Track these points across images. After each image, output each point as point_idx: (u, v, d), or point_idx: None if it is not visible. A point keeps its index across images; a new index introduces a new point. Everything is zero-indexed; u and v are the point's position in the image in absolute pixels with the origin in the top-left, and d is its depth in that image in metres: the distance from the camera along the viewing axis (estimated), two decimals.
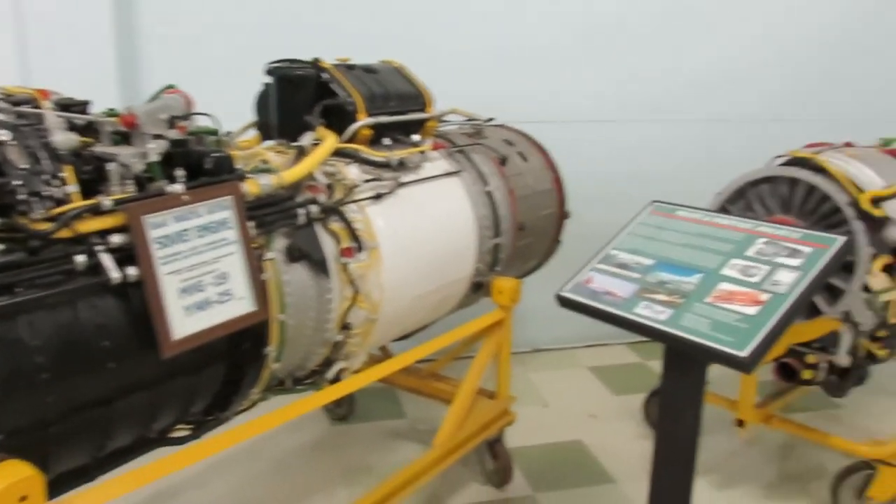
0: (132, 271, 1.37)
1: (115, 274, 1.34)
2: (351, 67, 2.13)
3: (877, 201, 2.12)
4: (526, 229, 2.61)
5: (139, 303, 1.40)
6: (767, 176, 2.26)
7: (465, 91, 3.12)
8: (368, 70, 2.18)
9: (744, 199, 2.37)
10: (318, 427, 2.94)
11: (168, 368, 1.48)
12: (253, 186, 1.67)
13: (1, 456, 1.20)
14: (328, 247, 1.87)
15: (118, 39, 2.87)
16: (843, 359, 2.15)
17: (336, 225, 1.89)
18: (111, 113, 1.54)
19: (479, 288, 2.48)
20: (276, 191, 1.75)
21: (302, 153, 1.90)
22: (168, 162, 1.51)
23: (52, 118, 1.39)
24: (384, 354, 2.77)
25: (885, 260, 2.10)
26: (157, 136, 1.49)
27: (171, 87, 1.61)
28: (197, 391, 1.64)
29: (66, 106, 1.49)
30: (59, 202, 1.32)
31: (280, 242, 1.77)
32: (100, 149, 1.43)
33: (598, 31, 3.34)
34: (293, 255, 1.77)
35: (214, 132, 1.69)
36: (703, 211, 2.04)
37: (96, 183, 1.42)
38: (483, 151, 2.54)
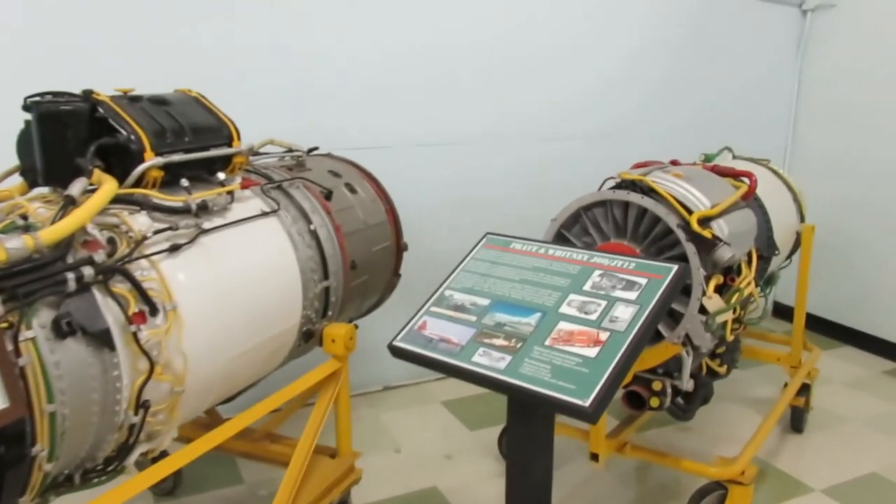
0: None
1: None
2: (135, 99, 1.84)
3: (704, 221, 2.10)
4: (359, 267, 2.41)
5: None
6: (600, 200, 2.19)
7: (289, 119, 2.91)
8: (158, 101, 1.89)
9: (579, 224, 2.29)
10: None
11: None
12: None
13: None
14: (113, 314, 1.57)
15: None
16: (685, 384, 2.11)
17: (121, 286, 1.59)
18: None
19: (310, 337, 2.24)
20: (34, 254, 1.43)
21: (72, 203, 1.58)
22: None
23: None
24: (211, 418, 2.45)
25: (717, 280, 2.08)
26: None
27: None
28: None
29: None
30: None
31: (46, 315, 1.45)
32: None
33: (436, 57, 3.20)
34: (62, 329, 1.46)
35: None
36: (536, 243, 1.92)
37: None
38: (305, 186, 2.31)
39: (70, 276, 1.48)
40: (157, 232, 1.70)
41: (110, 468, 1.72)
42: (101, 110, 1.75)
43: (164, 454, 1.85)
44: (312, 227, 2.20)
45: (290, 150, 2.49)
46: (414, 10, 3.11)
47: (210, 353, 1.80)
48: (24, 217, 1.56)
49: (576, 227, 2.31)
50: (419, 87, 3.15)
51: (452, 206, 3.33)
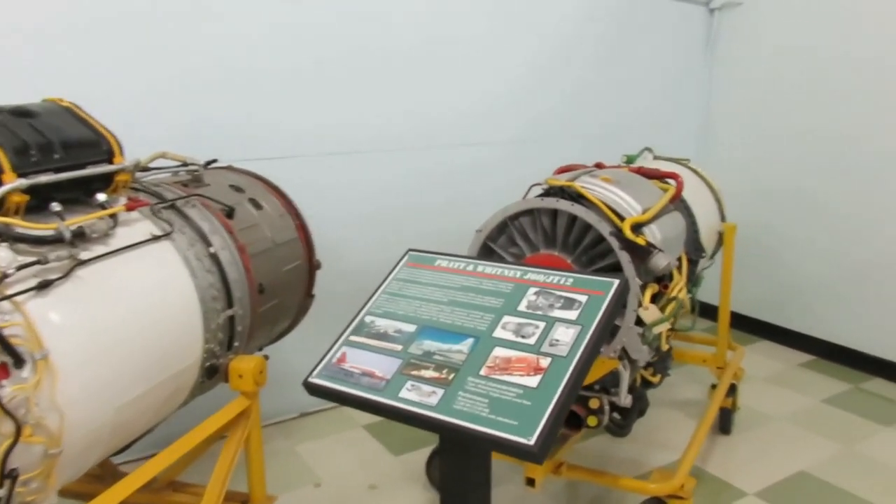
0: None
1: None
2: None
3: (637, 228, 2.00)
4: (268, 290, 2.18)
5: None
6: (527, 208, 2.05)
7: (182, 128, 2.65)
8: (20, 113, 1.62)
9: (506, 234, 2.15)
10: None
11: None
12: None
13: None
14: None
15: None
16: (624, 399, 2.00)
17: None
18: None
19: (214, 373, 2.00)
20: None
21: None
22: None
23: None
24: (102, 469, 2.17)
25: (653, 290, 1.98)
26: None
27: None
28: None
29: None
30: None
31: None
32: None
33: (344, 61, 2.98)
34: None
35: None
36: (464, 259, 1.76)
37: None
38: (203, 203, 2.07)
39: None
40: (21, 267, 1.44)
41: None
42: None
43: None
44: (212, 249, 1.97)
45: (185, 164, 2.23)
46: (322, 10, 2.89)
47: (93, 404, 1.55)
48: None
49: (502, 238, 2.17)
50: (327, 92, 2.94)
51: (367, 219, 3.14)
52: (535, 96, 3.52)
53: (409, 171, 3.21)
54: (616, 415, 2.12)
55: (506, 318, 1.56)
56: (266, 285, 2.18)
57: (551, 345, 1.45)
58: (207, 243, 1.97)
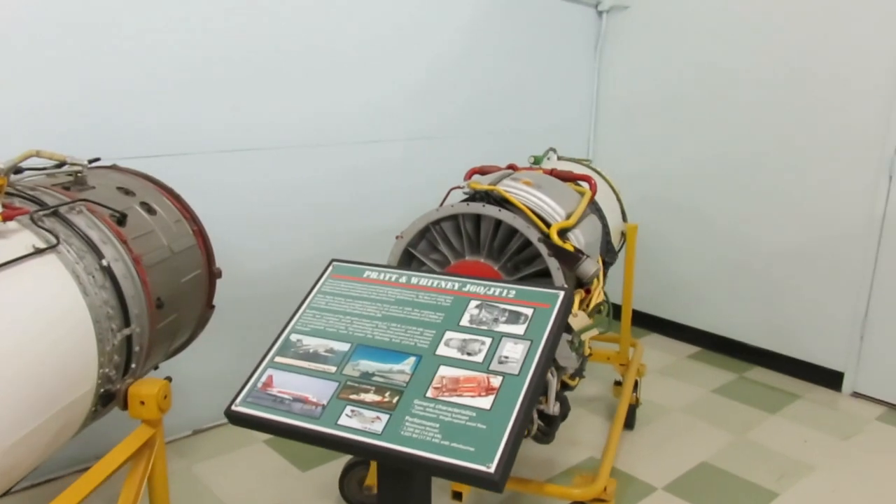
0: None
1: None
2: None
3: (563, 233, 1.97)
4: (167, 304, 1.98)
5: None
6: (452, 214, 1.97)
7: (59, 123, 2.36)
8: None
9: (426, 240, 2.06)
10: None
11: None
12: None
13: None
14: None
15: None
16: (552, 407, 1.97)
17: None
18: None
19: (110, 399, 1.78)
20: None
21: None
22: None
23: None
24: None
25: (580, 296, 1.96)
26: None
27: None
28: None
29: None
30: None
31: None
32: None
33: (240, 50, 2.74)
34: None
35: None
36: (395, 270, 1.66)
37: None
38: (89, 209, 1.83)
39: None
40: None
41: None
42: None
43: None
44: (105, 261, 1.75)
45: (64, 164, 1.97)
46: (219, 3, 2.66)
47: None
48: None
49: (422, 244, 2.08)
50: (221, 83, 2.72)
51: (269, 220, 2.94)
52: (439, 95, 3.44)
53: (312, 170, 3.04)
54: (541, 422, 2.08)
55: (448, 334, 1.47)
56: (165, 299, 1.97)
57: (500, 362, 1.38)
58: (99, 255, 1.74)
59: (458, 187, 2.12)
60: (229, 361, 2.89)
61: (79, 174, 1.95)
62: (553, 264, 1.87)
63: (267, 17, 2.79)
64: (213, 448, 2.87)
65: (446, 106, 3.49)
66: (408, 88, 3.31)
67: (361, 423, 1.34)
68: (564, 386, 2.30)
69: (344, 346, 1.50)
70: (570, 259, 1.89)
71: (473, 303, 1.52)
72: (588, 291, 2.06)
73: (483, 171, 2.50)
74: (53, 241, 1.63)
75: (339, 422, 1.35)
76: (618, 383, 3.16)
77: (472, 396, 1.33)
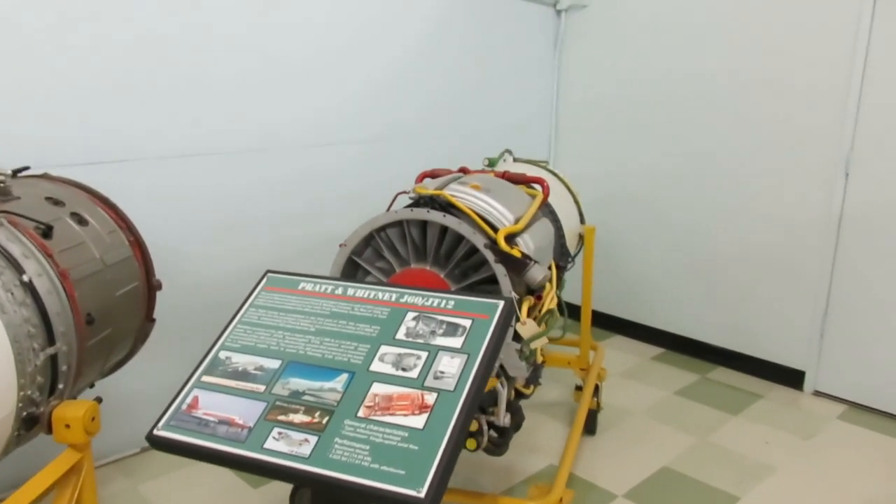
0: None
1: None
2: None
3: (511, 238, 1.92)
4: (98, 320, 1.88)
5: None
6: (396, 220, 1.90)
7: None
8: None
9: (372, 247, 1.99)
10: None
11: None
12: None
13: None
14: None
15: None
16: (503, 418, 1.91)
17: None
18: None
19: (34, 423, 1.69)
20: None
21: None
22: None
23: None
24: None
25: (529, 303, 1.90)
26: None
27: None
28: None
29: None
30: None
31: None
32: None
33: (190, 55, 2.65)
34: None
35: None
36: (331, 282, 1.59)
37: None
38: (11, 221, 1.73)
39: None
40: None
41: None
42: None
43: None
44: (26, 277, 1.65)
45: None
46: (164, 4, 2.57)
47: None
48: None
49: (368, 252, 2.01)
50: (165, 88, 2.62)
51: (214, 228, 2.84)
52: (395, 97, 3.37)
53: (261, 175, 2.96)
54: (493, 433, 2.02)
55: (383, 349, 1.40)
56: (96, 314, 1.87)
57: (436, 378, 1.32)
58: (19, 270, 1.65)
59: (405, 192, 2.05)
60: (176, 375, 2.78)
61: (1, 185, 1.85)
62: (500, 271, 1.81)
63: (214, 20, 2.70)
64: (161, 466, 2.77)
65: (403, 107, 3.43)
66: (363, 90, 3.24)
67: (289, 447, 1.26)
68: (518, 395, 2.25)
69: (275, 364, 1.43)
70: (517, 265, 1.83)
71: (410, 315, 1.46)
72: (539, 298, 2.01)
73: (434, 175, 2.44)
74: None
75: (266, 445, 1.28)
76: (579, 388, 3.11)
77: (405, 415, 1.26)
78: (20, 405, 1.61)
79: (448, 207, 1.93)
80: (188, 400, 1.40)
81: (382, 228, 1.96)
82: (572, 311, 3.12)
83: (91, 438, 1.71)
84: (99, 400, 1.76)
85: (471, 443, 1.93)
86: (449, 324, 1.41)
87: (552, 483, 2.23)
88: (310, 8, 2.98)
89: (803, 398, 3.46)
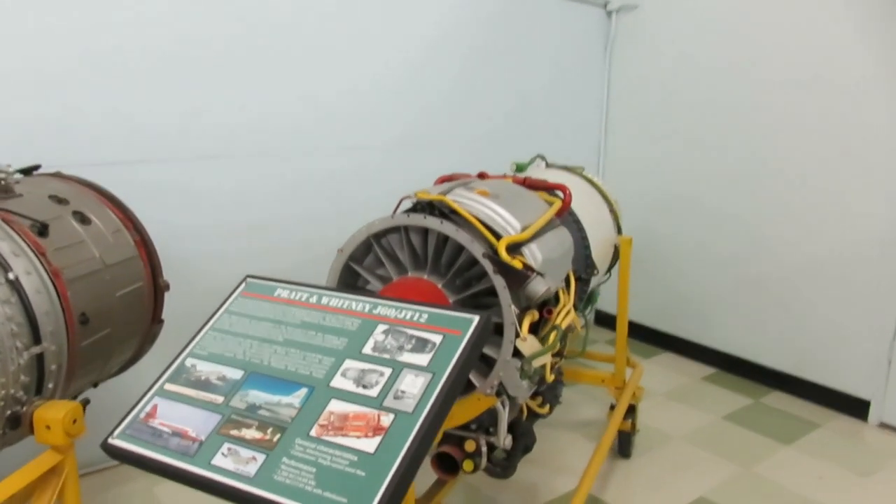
0: None
1: None
2: None
3: (515, 248, 1.79)
4: (94, 320, 1.86)
5: None
6: (394, 226, 1.81)
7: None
8: None
9: (373, 255, 1.90)
10: None
11: None
12: None
13: None
14: None
15: None
16: (503, 440, 1.78)
17: None
18: None
19: (17, 424, 1.67)
20: None
21: None
22: None
23: None
24: None
25: (532, 317, 1.77)
26: None
27: None
28: None
29: None
30: None
31: None
32: None
33: (207, 51, 2.65)
34: None
35: None
36: (308, 289, 1.50)
37: None
38: (5, 220, 1.73)
39: None
40: None
41: None
42: None
43: None
44: (12, 275, 1.64)
45: None
46: None
47: None
48: None
49: (369, 259, 1.92)
50: (188, 86, 2.62)
51: (230, 230, 2.81)
52: (420, 97, 3.29)
53: (286, 177, 2.92)
54: (495, 457, 1.89)
55: (347, 363, 1.30)
56: (92, 314, 1.85)
57: (396, 397, 1.21)
58: (5, 268, 1.64)
59: (409, 197, 1.95)
60: None
61: (2, 182, 1.86)
62: (499, 283, 1.68)
63: (240, 20, 2.68)
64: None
65: (431, 110, 3.33)
66: (386, 92, 3.17)
67: (235, 464, 1.18)
68: (533, 414, 2.11)
69: (237, 374, 1.35)
70: (518, 277, 1.70)
71: (381, 327, 1.35)
72: (550, 312, 1.87)
73: (451, 179, 2.33)
74: None
75: (213, 461, 1.20)
76: (614, 408, 2.93)
77: (358, 437, 1.16)
78: (2, 403, 1.59)
79: (450, 213, 1.82)
80: (147, 408, 1.34)
81: (382, 234, 1.87)
82: (613, 321, 2.96)
83: (74, 441, 1.68)
84: (85, 402, 1.73)
85: (468, 464, 1.81)
86: (419, 339, 1.30)
87: None
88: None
89: (866, 430, 3.17)
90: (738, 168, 3.54)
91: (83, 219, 1.96)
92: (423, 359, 1.26)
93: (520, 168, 2.74)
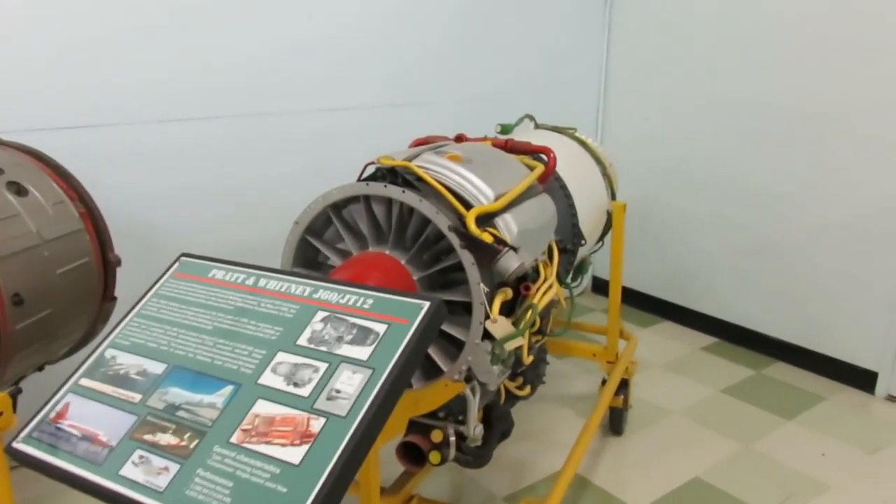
0: None
1: None
2: None
3: (486, 219, 1.62)
4: (31, 301, 1.71)
5: None
6: (353, 195, 1.63)
7: None
8: None
9: (335, 227, 1.73)
10: None
11: None
12: None
13: None
14: None
15: None
16: (472, 430, 1.63)
17: None
18: None
19: None
20: None
21: None
22: None
23: None
24: None
25: (505, 296, 1.60)
26: None
27: None
28: None
29: None
30: None
31: None
32: None
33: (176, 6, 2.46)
34: None
35: None
36: (244, 270, 1.34)
37: None
38: None
39: None
40: None
41: None
42: None
43: None
44: None
45: None
46: None
47: None
48: None
49: (330, 231, 1.75)
50: (146, 45, 2.43)
51: (197, 199, 2.65)
52: (414, 52, 3.08)
53: (257, 140, 2.74)
54: (466, 446, 1.74)
55: (280, 357, 1.15)
56: (28, 294, 1.70)
57: (329, 398, 1.05)
58: None
59: (373, 162, 1.77)
60: None
61: None
62: (467, 258, 1.52)
63: None
64: None
65: (425, 65, 3.12)
66: (370, 46, 2.96)
67: (145, 476, 1.03)
68: (511, 396, 1.96)
69: (159, 368, 1.20)
70: (487, 252, 1.53)
71: (320, 314, 1.19)
72: (528, 288, 1.70)
73: (427, 142, 2.15)
74: None
75: (122, 471, 1.05)
76: (605, 383, 2.79)
77: (283, 445, 1.01)
78: None
79: (417, 181, 1.64)
80: (58, 408, 1.19)
81: (344, 204, 1.70)
82: (605, 286, 2.79)
83: (2, 434, 1.54)
84: (16, 392, 1.59)
85: (434, 456, 1.66)
86: (361, 328, 1.14)
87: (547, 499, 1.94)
88: None
89: (873, 403, 3.02)
90: (750, 125, 3.31)
91: (19, 190, 1.80)
92: (363, 352, 1.10)
93: (505, 130, 2.55)
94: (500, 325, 1.54)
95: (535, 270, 1.80)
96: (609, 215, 2.60)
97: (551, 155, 2.02)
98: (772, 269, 3.34)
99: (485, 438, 1.81)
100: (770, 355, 3.41)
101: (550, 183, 2.09)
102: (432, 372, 1.62)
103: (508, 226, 1.65)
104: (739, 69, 3.29)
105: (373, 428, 1.01)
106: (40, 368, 1.96)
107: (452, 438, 1.66)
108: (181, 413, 1.11)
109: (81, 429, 1.14)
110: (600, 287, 4.09)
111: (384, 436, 1.66)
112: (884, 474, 2.50)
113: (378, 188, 1.58)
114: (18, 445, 1.16)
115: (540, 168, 1.93)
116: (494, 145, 2.04)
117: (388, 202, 1.65)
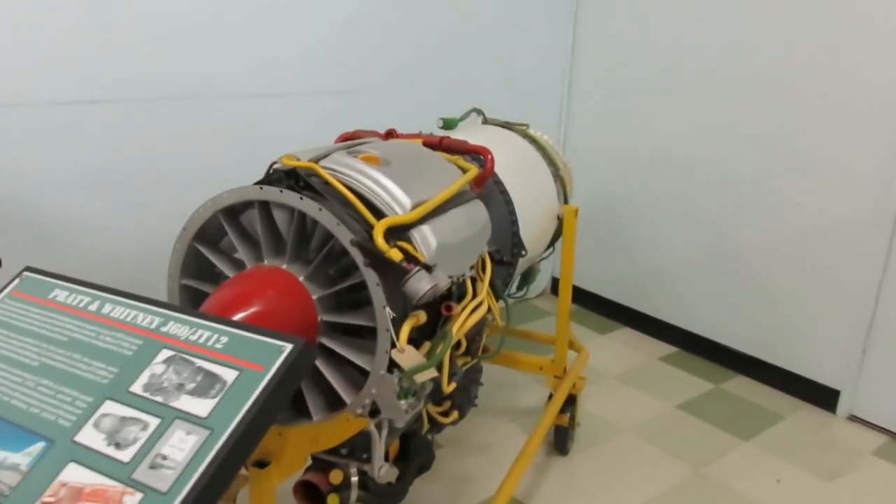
0: None
1: None
2: None
3: (398, 232, 1.42)
4: None
5: None
6: (247, 200, 1.42)
7: None
8: None
9: (231, 233, 1.52)
10: None
11: None
12: None
13: None
14: None
15: None
16: (378, 470, 1.44)
17: None
18: None
19: None
20: None
21: None
22: None
23: None
24: None
25: (416, 321, 1.41)
26: None
27: None
28: None
29: None
30: None
31: None
32: None
33: None
34: None
35: None
36: (90, 292, 1.12)
37: None
38: None
39: None
40: None
41: None
42: None
43: None
44: None
45: None
46: None
47: None
48: None
49: (227, 239, 1.54)
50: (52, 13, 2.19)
51: (108, 194, 2.42)
52: (370, 41, 2.86)
53: (183, 128, 2.51)
54: (371, 488, 1.55)
55: (106, 407, 0.94)
56: None
57: (153, 466, 0.85)
58: None
59: (276, 162, 1.56)
60: None
61: None
62: (371, 278, 1.32)
63: None
64: None
65: (380, 55, 2.90)
66: (329, 32, 2.73)
67: None
68: (435, 424, 1.77)
69: None
70: (396, 271, 1.33)
71: (164, 353, 0.99)
72: (450, 309, 1.50)
73: (354, 137, 1.95)
74: None
75: None
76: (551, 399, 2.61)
77: None
78: None
79: (323, 186, 1.44)
80: None
81: (242, 209, 1.49)
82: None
83: None
84: None
85: (333, 499, 1.46)
86: (207, 374, 0.94)
87: None
88: None
89: (835, 423, 2.87)
90: (716, 137, 3.14)
91: None
92: (204, 406, 0.90)
93: (448, 125, 2.34)
94: (408, 356, 1.34)
95: (463, 287, 1.61)
96: (560, 220, 2.41)
97: (489, 156, 1.82)
98: (734, 281, 3.19)
99: (400, 473, 1.63)
100: (731, 367, 3.26)
101: (488, 187, 1.90)
102: (336, 403, 1.43)
103: (425, 239, 1.45)
104: (707, 81, 3.11)
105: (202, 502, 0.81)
106: None
107: (354, 479, 1.46)
108: None
109: None
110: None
111: (282, 472, 1.47)
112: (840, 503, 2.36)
113: (273, 193, 1.37)
114: None
115: (474, 171, 1.73)
116: (426, 144, 1.84)
117: (291, 209, 1.45)
